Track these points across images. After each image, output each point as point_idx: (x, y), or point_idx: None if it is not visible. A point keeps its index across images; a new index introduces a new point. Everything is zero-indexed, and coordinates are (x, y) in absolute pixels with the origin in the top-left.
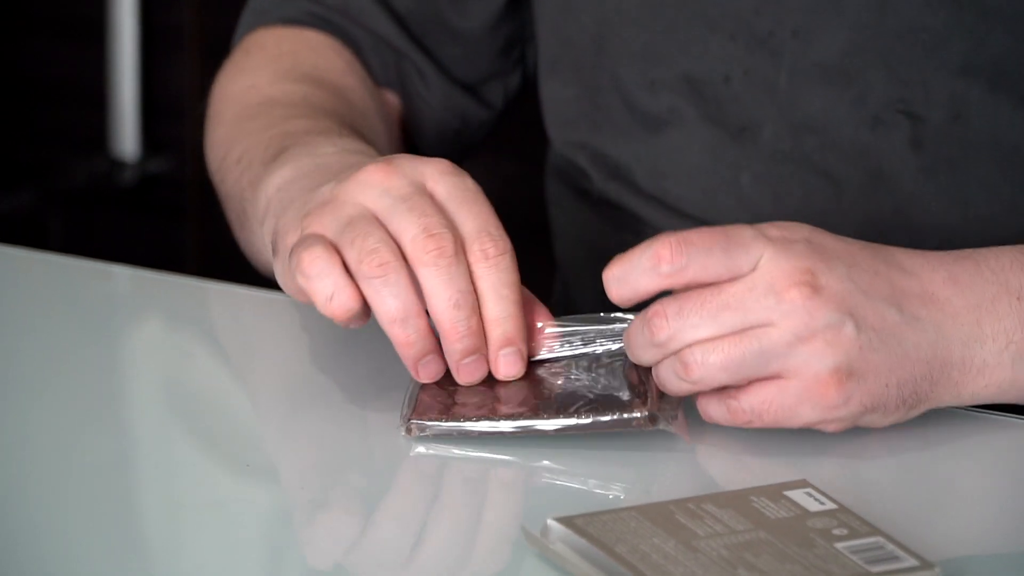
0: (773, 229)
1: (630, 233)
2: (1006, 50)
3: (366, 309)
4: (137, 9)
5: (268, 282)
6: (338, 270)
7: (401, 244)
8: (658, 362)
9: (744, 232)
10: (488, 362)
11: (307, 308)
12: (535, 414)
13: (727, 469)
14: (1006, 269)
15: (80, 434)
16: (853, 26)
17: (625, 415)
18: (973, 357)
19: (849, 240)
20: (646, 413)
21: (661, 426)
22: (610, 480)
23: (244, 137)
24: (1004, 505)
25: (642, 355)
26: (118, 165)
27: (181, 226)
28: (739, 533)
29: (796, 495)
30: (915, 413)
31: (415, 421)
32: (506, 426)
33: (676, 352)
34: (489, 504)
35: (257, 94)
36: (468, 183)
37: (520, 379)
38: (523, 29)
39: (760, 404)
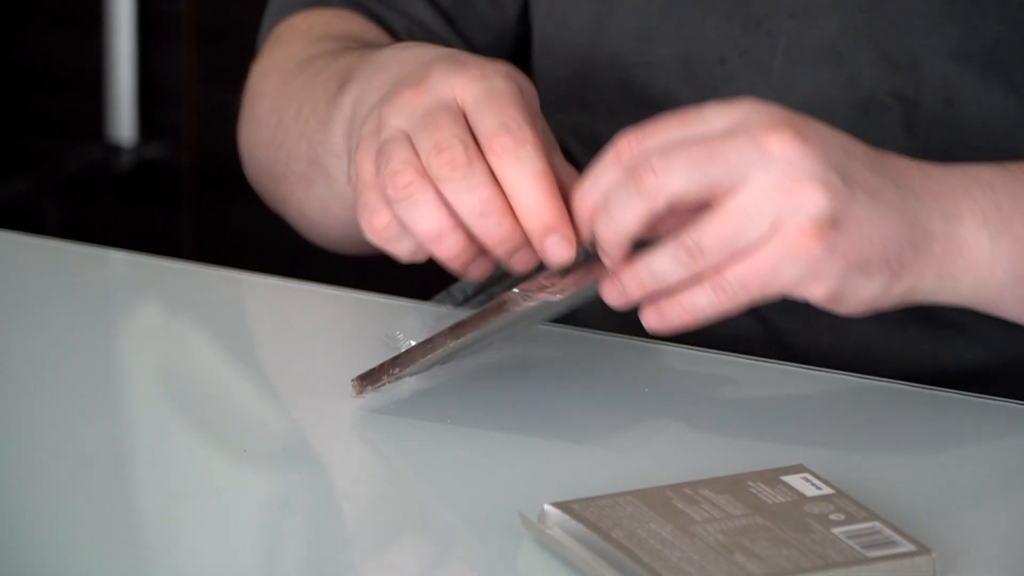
0: (739, 99)
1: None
2: (998, 36)
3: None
4: None
5: (266, 268)
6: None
7: (423, 163)
8: (644, 225)
9: (702, 106)
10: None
11: (306, 293)
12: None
13: (724, 454)
14: (975, 169)
15: (76, 420)
16: (848, 9)
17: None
18: (953, 233)
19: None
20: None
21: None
22: (607, 465)
23: (294, 95)
24: (1002, 491)
25: (626, 216)
26: (115, 151)
27: (178, 212)
28: (736, 518)
29: (793, 480)
30: (899, 287)
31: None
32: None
33: (661, 210)
34: (485, 489)
35: (295, 60)
36: (495, 84)
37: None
38: None
39: (744, 272)
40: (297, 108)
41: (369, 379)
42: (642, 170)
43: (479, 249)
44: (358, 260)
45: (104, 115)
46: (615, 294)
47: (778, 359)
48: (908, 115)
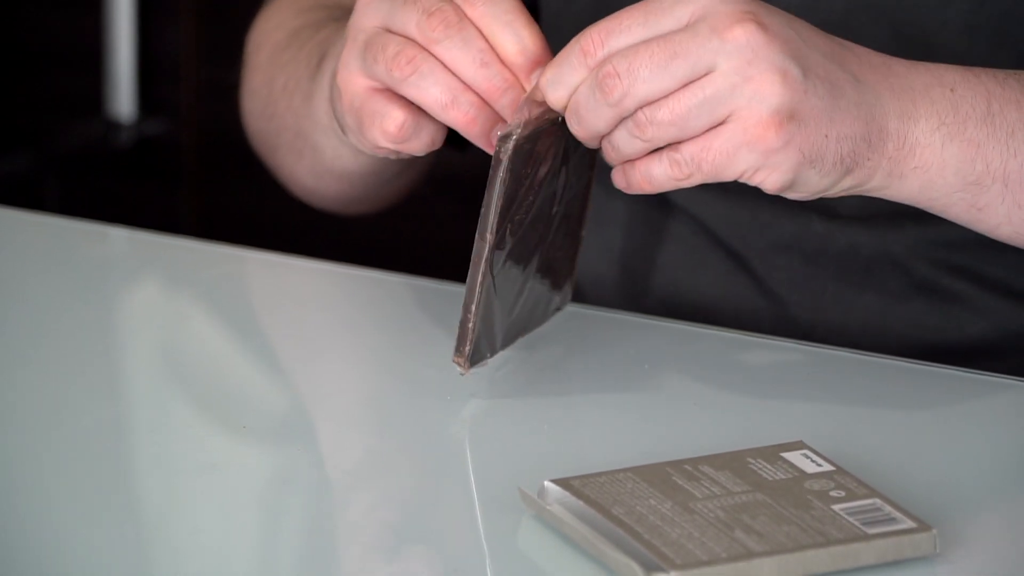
0: None
1: (619, 197)
2: (1007, 9)
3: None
4: None
5: (266, 244)
6: (409, 107)
7: (412, 37)
8: (614, 126)
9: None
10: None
11: (306, 270)
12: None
13: (724, 430)
14: (940, 68)
15: (76, 396)
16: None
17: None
18: (907, 132)
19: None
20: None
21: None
22: (607, 442)
23: (282, 68)
24: (1001, 468)
25: (596, 122)
26: (114, 127)
27: (177, 188)
28: (736, 495)
29: (793, 456)
30: (848, 181)
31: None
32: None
33: (631, 112)
34: (486, 466)
35: (284, 31)
36: None
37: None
38: None
39: (699, 152)
40: (284, 82)
41: (467, 354)
42: (608, 77)
43: (493, 112)
44: (359, 237)
45: (104, 91)
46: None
47: (782, 333)
48: None
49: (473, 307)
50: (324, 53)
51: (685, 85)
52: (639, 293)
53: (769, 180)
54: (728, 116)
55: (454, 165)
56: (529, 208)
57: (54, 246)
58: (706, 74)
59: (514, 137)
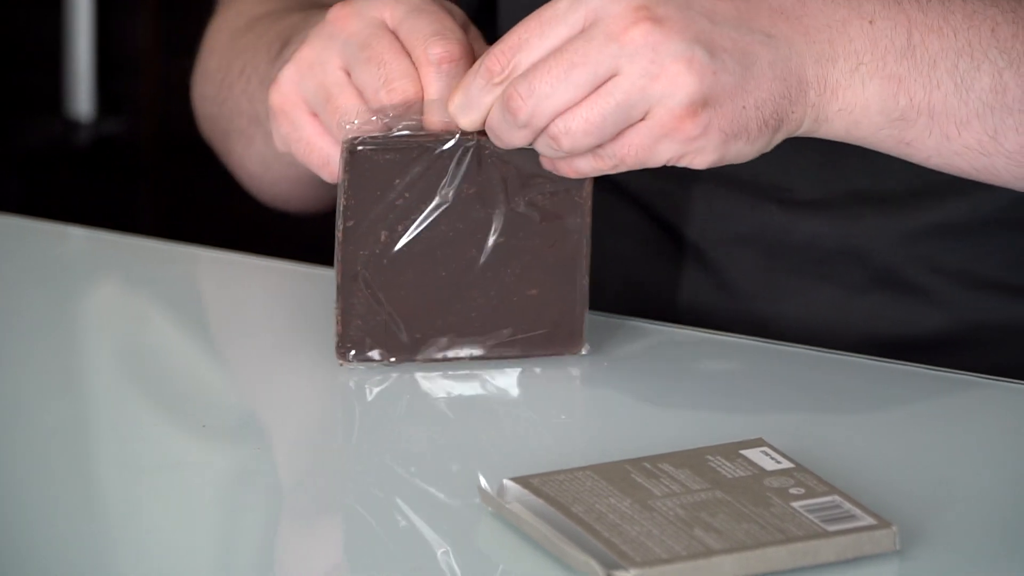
0: None
1: (607, 187)
2: None
3: None
4: None
5: (225, 242)
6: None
7: (367, 98)
8: (531, 141)
9: (557, 4)
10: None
11: (266, 269)
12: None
13: (683, 427)
14: None
15: (36, 394)
16: None
17: None
18: (826, 76)
19: None
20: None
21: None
22: (566, 439)
23: (241, 52)
24: (962, 463)
25: (514, 140)
26: (73, 126)
27: (137, 186)
28: (695, 492)
29: (752, 454)
30: (779, 137)
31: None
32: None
33: (544, 127)
34: (445, 463)
35: (244, 17)
36: (428, 45)
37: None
38: None
39: (620, 148)
40: (242, 66)
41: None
42: (512, 99)
43: None
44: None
45: (62, 89)
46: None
47: (740, 326)
48: None
49: (337, 308)
50: (286, 40)
51: (593, 91)
52: (595, 286)
53: (696, 162)
54: (644, 115)
55: None
56: (424, 222)
57: (13, 245)
58: (611, 77)
59: (348, 143)
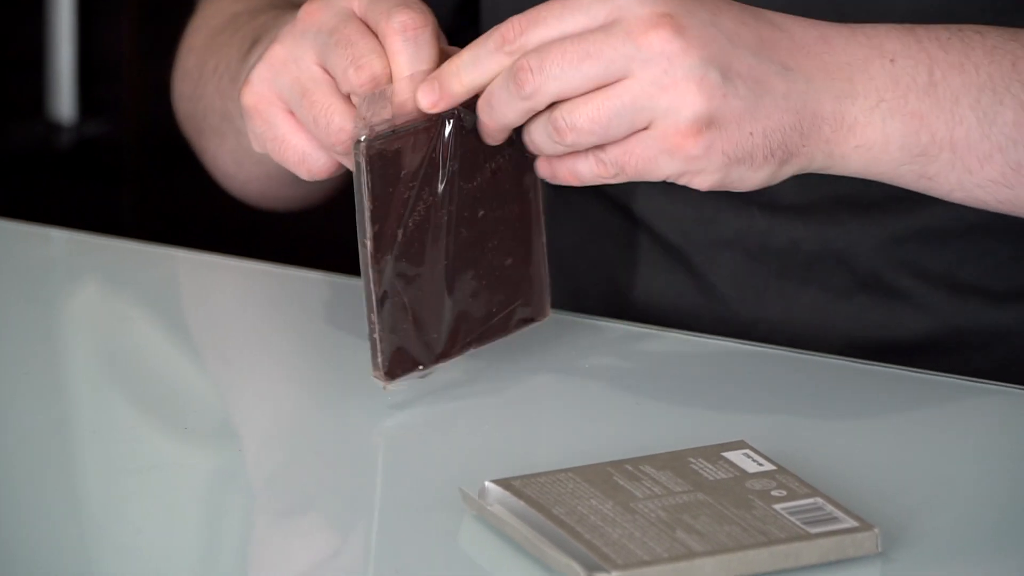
0: None
1: (574, 190)
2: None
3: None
4: None
5: (207, 245)
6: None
7: (338, 81)
8: (524, 119)
9: None
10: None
11: (247, 271)
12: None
13: (665, 430)
14: (881, 35)
15: (17, 396)
16: None
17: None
18: (844, 113)
19: None
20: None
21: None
22: (547, 442)
23: (216, 50)
24: (944, 466)
25: (508, 113)
26: (55, 128)
27: (119, 190)
28: (677, 494)
29: (734, 456)
30: (788, 169)
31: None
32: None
33: (545, 109)
34: (426, 466)
35: (221, 15)
36: (391, 15)
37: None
38: None
39: (622, 155)
40: (215, 64)
41: (381, 365)
42: (522, 71)
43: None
44: (300, 237)
45: (44, 92)
46: (489, 140)
47: (723, 330)
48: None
49: (372, 318)
50: (257, 37)
51: (600, 88)
52: (577, 290)
53: (697, 181)
54: (648, 123)
55: None
56: (426, 211)
57: None
58: (622, 79)
59: (364, 140)
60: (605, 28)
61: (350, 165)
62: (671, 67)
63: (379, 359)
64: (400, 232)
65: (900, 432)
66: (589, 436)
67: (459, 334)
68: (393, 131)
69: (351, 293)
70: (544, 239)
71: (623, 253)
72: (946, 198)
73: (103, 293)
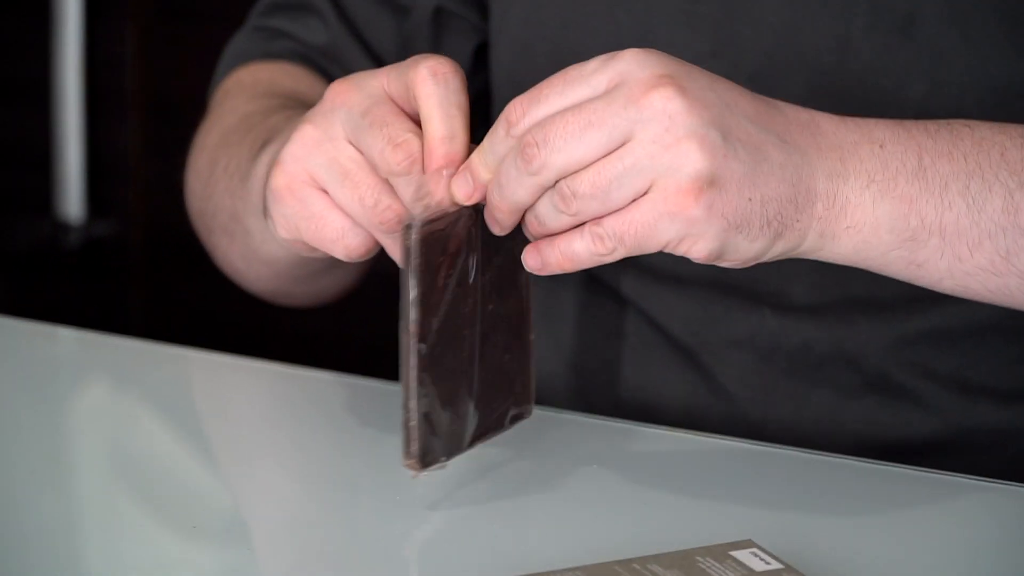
0: (624, 52)
1: (583, 288)
2: (963, 90)
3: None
4: (82, 71)
5: (215, 344)
6: (333, 215)
7: (373, 162)
8: (535, 197)
9: (585, 63)
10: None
11: (255, 370)
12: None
13: (672, 529)
14: (870, 124)
15: (25, 495)
16: (812, 69)
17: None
18: (837, 192)
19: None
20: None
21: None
22: (555, 540)
23: (228, 149)
24: (953, 565)
25: (519, 191)
26: (63, 228)
27: (126, 289)
28: None
29: (742, 555)
30: (780, 245)
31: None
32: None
33: (551, 183)
34: (436, 564)
35: (235, 115)
36: (419, 64)
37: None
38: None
39: (620, 225)
40: (226, 162)
41: (416, 453)
42: (527, 147)
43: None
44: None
45: (52, 191)
46: (497, 228)
47: (733, 429)
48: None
49: (411, 404)
50: (268, 138)
51: (605, 155)
52: (589, 390)
53: (695, 249)
54: (649, 185)
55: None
56: (454, 300)
57: (3, 346)
58: (624, 143)
59: (416, 225)
60: (607, 95)
61: (390, 245)
62: (672, 125)
63: (413, 447)
64: (435, 321)
65: (908, 531)
66: (597, 534)
67: (474, 430)
68: (436, 218)
69: (361, 393)
70: (532, 336)
71: (633, 352)
72: (936, 287)
73: (110, 392)
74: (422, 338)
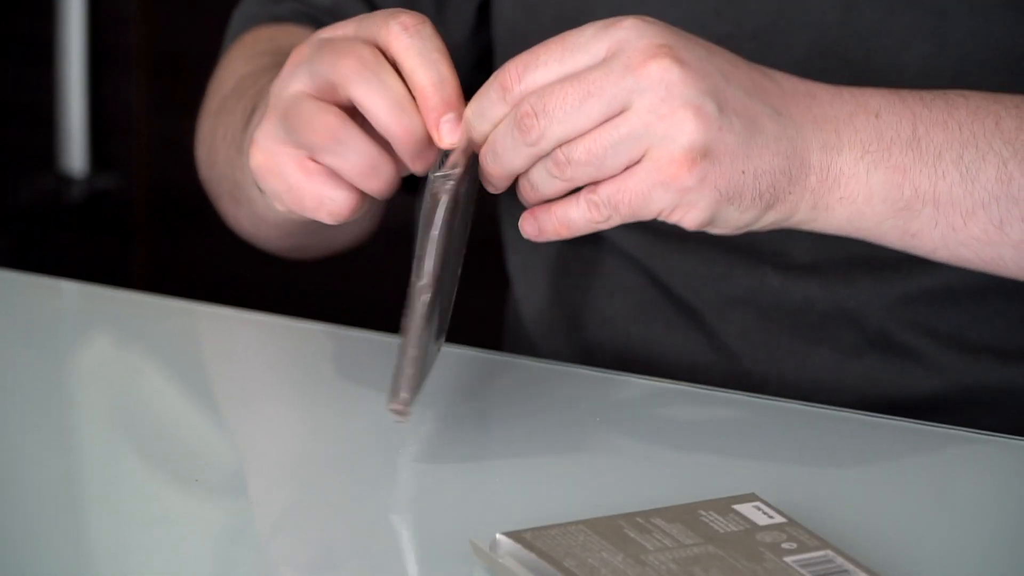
0: (624, 18)
1: (587, 245)
2: (966, 53)
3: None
4: (85, 27)
5: (218, 298)
6: (297, 175)
7: (330, 80)
8: (531, 164)
9: (584, 27)
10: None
11: (258, 323)
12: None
13: (676, 483)
14: (866, 94)
15: (29, 449)
16: (816, 28)
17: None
18: (831, 164)
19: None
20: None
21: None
22: (558, 494)
23: (224, 116)
24: (955, 519)
25: (515, 160)
26: (66, 182)
27: (130, 242)
28: (688, 547)
29: (745, 509)
30: (772, 216)
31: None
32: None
33: (548, 152)
34: (438, 517)
35: (233, 78)
36: (388, 22)
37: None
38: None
39: (615, 193)
40: (224, 131)
41: (399, 395)
42: (525, 117)
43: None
44: (310, 290)
45: (55, 146)
46: (492, 189)
47: (735, 387)
48: None
49: (410, 352)
50: (255, 104)
51: (602, 123)
52: (591, 346)
53: (687, 218)
54: (643, 154)
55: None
56: (447, 245)
57: (7, 300)
58: (622, 111)
59: (453, 180)
60: (605, 64)
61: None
62: (669, 95)
63: (404, 393)
64: (439, 269)
65: (910, 484)
66: (600, 489)
67: (431, 365)
68: (448, 172)
69: (363, 346)
70: (459, 272)
71: (636, 310)
72: (930, 257)
73: (113, 345)
74: (432, 288)
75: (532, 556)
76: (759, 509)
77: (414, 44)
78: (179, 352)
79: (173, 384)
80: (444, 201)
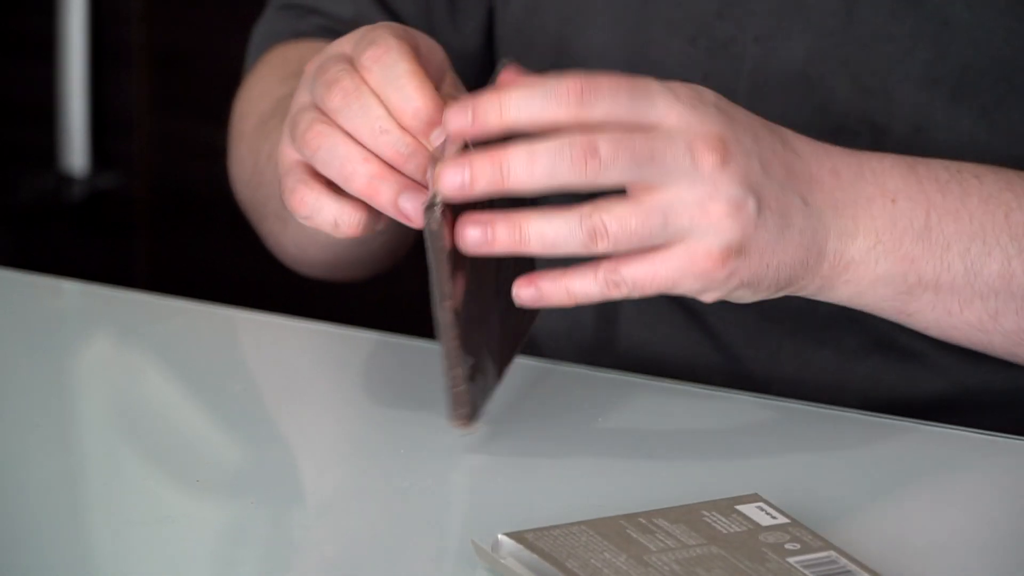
0: (682, 88)
1: None
2: (967, 61)
3: (370, 212)
4: (87, 25)
5: (219, 297)
6: (315, 185)
7: (321, 109)
8: (569, 184)
9: (651, 84)
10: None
11: (259, 323)
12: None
13: (678, 483)
14: (886, 172)
15: (30, 448)
16: (817, 32)
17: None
18: (843, 251)
19: (749, 113)
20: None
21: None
22: (561, 495)
23: (267, 137)
24: (958, 520)
25: (556, 175)
26: (67, 180)
27: (131, 242)
28: (691, 548)
29: (748, 509)
30: (781, 295)
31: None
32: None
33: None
34: (440, 518)
35: (270, 98)
36: (376, 31)
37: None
38: None
39: (643, 276)
40: (269, 150)
41: (462, 409)
42: (587, 149)
43: (395, 180)
44: (311, 290)
45: (56, 144)
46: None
47: (738, 388)
48: (877, 141)
49: (455, 372)
50: None
51: (644, 201)
52: (594, 347)
53: (704, 297)
54: (679, 240)
55: None
56: (475, 261)
57: (7, 299)
58: (667, 189)
59: (438, 206)
60: (664, 131)
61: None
62: (717, 191)
63: (462, 410)
64: (465, 283)
65: (914, 485)
66: (603, 489)
67: (493, 377)
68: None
69: (360, 345)
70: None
71: (639, 311)
72: (920, 331)
73: (114, 345)
74: (457, 306)
75: (534, 557)
76: (762, 510)
77: (382, 76)
78: (179, 352)
79: (173, 384)
80: (437, 233)
